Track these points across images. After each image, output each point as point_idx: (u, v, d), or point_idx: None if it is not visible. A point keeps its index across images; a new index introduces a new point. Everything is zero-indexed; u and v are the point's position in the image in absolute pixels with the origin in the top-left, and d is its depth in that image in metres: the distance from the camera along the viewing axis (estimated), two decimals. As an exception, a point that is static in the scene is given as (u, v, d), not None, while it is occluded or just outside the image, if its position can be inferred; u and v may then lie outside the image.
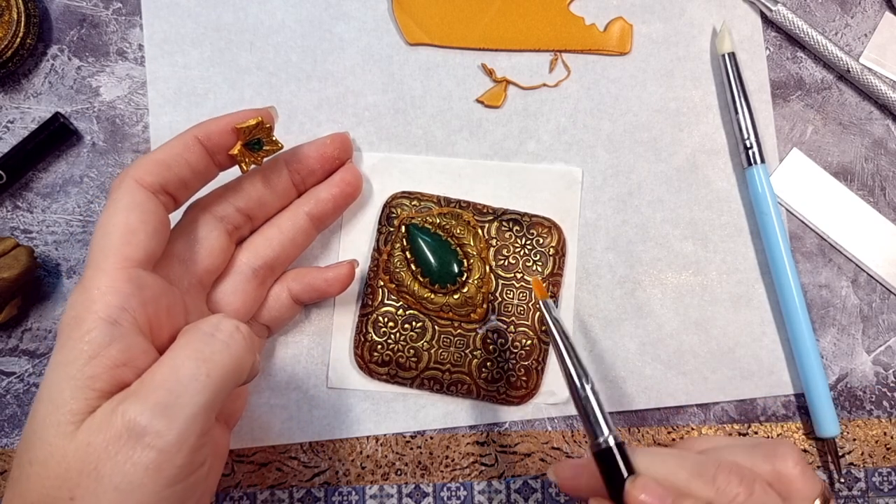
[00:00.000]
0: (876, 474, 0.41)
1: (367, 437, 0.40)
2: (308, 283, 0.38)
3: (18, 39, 0.39)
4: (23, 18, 0.38)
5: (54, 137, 0.40)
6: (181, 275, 0.34)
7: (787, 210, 0.41)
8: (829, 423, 0.39)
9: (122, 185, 0.31)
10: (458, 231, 0.39)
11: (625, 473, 0.28)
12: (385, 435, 0.40)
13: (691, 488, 0.28)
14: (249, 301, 0.36)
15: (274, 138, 0.34)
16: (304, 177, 0.38)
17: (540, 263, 0.39)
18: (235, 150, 0.33)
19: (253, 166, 0.35)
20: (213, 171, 0.34)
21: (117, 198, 0.31)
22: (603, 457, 0.29)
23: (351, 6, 0.41)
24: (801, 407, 0.41)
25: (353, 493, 0.40)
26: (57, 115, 0.40)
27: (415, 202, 0.40)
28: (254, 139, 0.34)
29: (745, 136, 0.40)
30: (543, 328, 0.39)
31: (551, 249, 0.40)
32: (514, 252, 0.39)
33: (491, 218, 0.40)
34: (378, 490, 0.40)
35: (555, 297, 0.40)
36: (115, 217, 0.31)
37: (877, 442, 0.41)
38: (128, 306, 0.29)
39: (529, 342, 0.39)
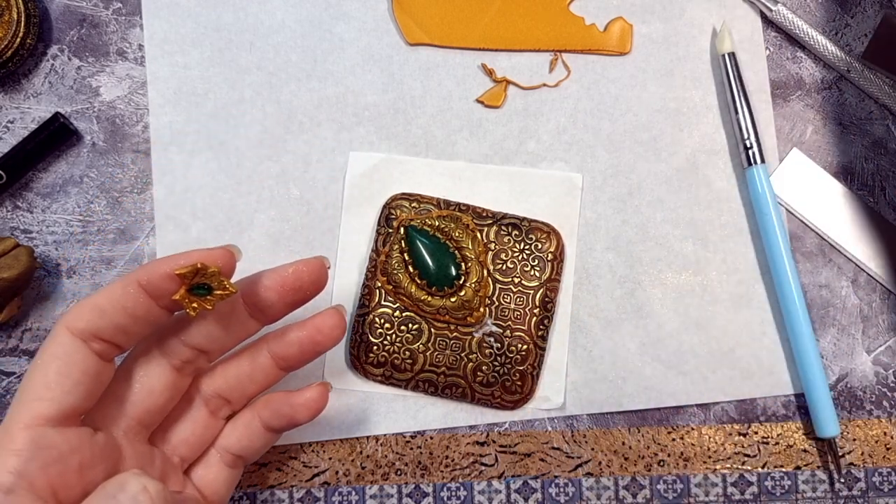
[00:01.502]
0: (876, 474, 0.41)
1: (367, 437, 0.40)
2: (276, 410, 0.35)
3: (18, 39, 0.39)
4: (23, 18, 0.38)
5: (54, 137, 0.40)
6: (117, 416, 0.32)
7: (787, 210, 0.41)
8: (828, 422, 0.39)
9: (52, 332, 0.30)
10: (457, 234, 0.39)
11: None
12: (385, 435, 0.40)
13: None
14: (200, 431, 0.34)
15: (225, 283, 0.30)
16: (263, 310, 0.33)
17: (538, 269, 0.39)
18: (178, 296, 0.30)
19: (205, 309, 0.31)
20: (161, 315, 0.31)
21: (44, 346, 0.29)
22: None
23: (351, 6, 0.41)
24: (801, 407, 0.41)
25: (353, 493, 0.40)
26: (57, 115, 0.40)
27: (414, 204, 0.40)
28: (200, 284, 0.30)
29: (745, 136, 0.40)
30: (540, 333, 0.39)
31: (549, 255, 0.40)
32: (513, 256, 0.39)
33: (490, 222, 0.40)
34: (378, 490, 0.40)
35: (551, 302, 0.40)
36: (34, 369, 0.29)
37: (877, 442, 0.41)
38: (25, 471, 0.28)
39: (525, 347, 0.39)
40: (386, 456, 0.40)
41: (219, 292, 0.31)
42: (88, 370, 0.30)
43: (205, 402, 0.35)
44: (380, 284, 0.39)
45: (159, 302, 0.31)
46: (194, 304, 0.31)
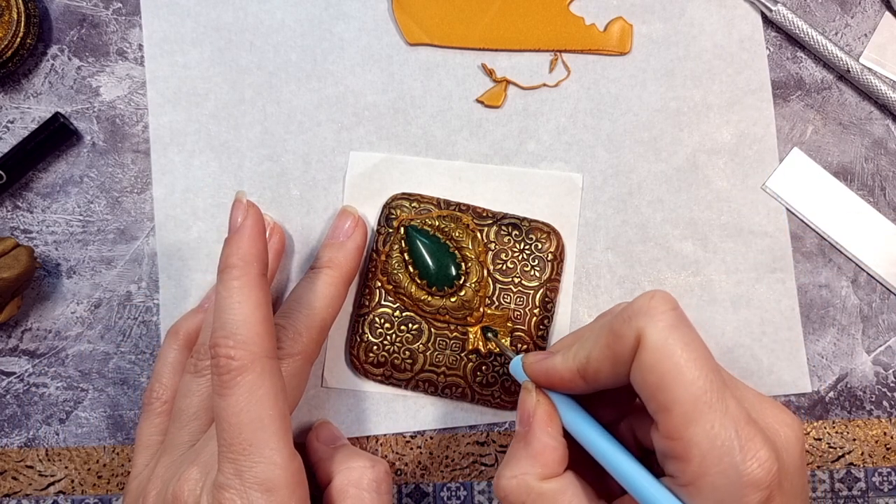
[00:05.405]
0: (876, 474, 0.41)
1: (367, 437, 0.40)
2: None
3: (18, 39, 0.39)
4: (23, 18, 0.38)
5: (54, 137, 0.40)
6: None
7: (788, 210, 0.41)
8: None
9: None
10: (457, 234, 0.39)
11: None
12: (385, 435, 0.40)
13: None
14: None
15: None
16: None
17: (538, 269, 0.39)
18: None
19: None
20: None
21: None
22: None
23: (351, 6, 0.41)
24: (801, 407, 0.41)
25: (353, 492, 0.40)
26: (57, 115, 0.40)
27: (414, 204, 0.40)
28: None
29: None
30: (540, 333, 0.39)
31: (549, 255, 0.40)
32: (513, 256, 0.39)
33: (490, 222, 0.40)
34: (378, 490, 0.40)
35: (551, 302, 0.40)
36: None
37: (877, 442, 0.41)
38: None
39: (525, 347, 0.39)
40: (386, 456, 0.40)
41: None
42: None
43: None
44: (380, 284, 0.39)
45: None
46: None
